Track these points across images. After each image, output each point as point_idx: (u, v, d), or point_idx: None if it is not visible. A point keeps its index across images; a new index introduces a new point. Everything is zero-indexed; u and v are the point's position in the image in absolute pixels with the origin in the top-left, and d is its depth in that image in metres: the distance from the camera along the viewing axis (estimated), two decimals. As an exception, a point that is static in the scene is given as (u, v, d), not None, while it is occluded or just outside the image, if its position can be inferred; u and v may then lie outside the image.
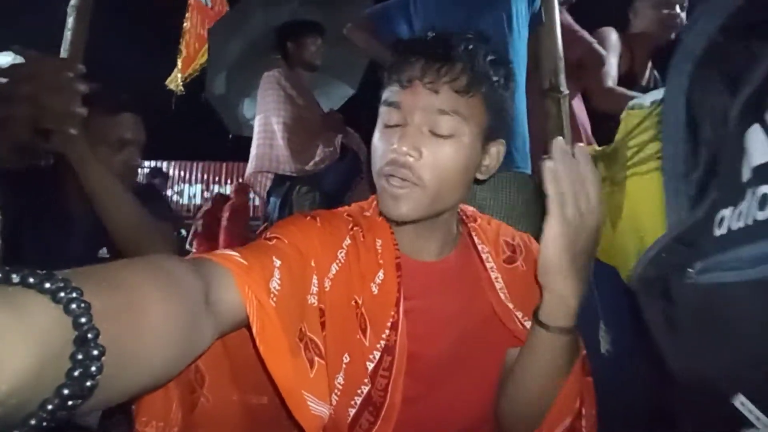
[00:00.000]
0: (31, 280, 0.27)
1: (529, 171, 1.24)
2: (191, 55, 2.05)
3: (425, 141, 0.58)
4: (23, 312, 0.26)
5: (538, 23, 1.32)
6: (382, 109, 0.62)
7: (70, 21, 1.39)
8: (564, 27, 1.36)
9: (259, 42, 2.02)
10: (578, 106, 1.56)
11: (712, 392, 0.35)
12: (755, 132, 0.37)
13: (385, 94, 0.62)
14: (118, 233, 0.90)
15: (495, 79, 0.60)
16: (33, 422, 0.26)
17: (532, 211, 1.21)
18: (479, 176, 0.65)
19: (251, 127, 1.99)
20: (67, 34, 1.37)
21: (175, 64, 2.05)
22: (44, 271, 0.28)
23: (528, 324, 0.63)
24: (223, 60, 2.04)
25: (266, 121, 1.73)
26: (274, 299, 0.47)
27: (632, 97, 1.18)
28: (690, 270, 0.43)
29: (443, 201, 0.61)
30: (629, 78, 1.66)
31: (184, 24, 1.97)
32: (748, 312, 0.33)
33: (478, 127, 0.60)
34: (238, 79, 2.10)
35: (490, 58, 0.60)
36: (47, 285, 0.27)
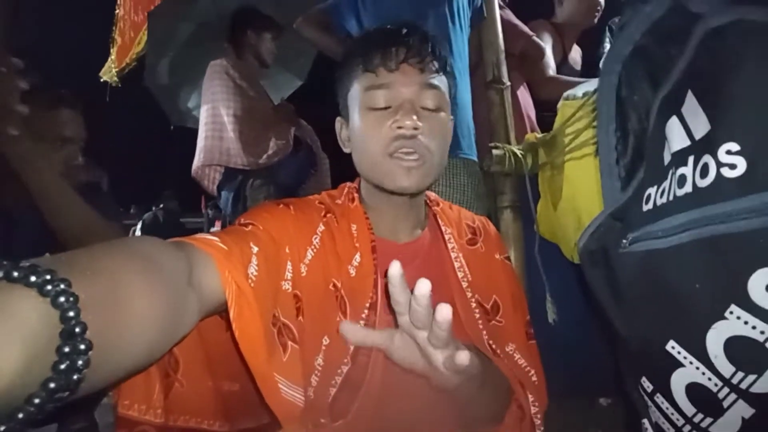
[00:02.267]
0: (16, 273, 0.26)
1: (474, 157, 1.31)
2: (126, 44, 1.92)
3: (420, 115, 0.63)
4: (9, 310, 0.25)
5: (480, 19, 1.39)
6: (366, 94, 0.65)
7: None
8: (505, 22, 1.44)
9: (206, 25, 1.94)
10: (523, 95, 1.67)
11: (648, 343, 0.43)
12: (674, 123, 0.44)
13: (365, 80, 0.65)
14: (68, 235, 0.86)
15: (447, 62, 0.68)
16: (20, 416, 0.25)
17: (481, 194, 1.29)
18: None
19: (195, 118, 1.91)
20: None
21: (108, 54, 1.91)
22: (29, 264, 0.27)
23: (481, 305, 0.70)
24: (164, 46, 1.92)
25: (214, 113, 1.66)
26: (252, 285, 0.48)
27: (574, 84, 1.28)
28: (624, 241, 0.50)
29: (440, 169, 0.67)
30: (564, 64, 1.80)
31: (116, 11, 1.83)
32: (674, 271, 0.40)
33: (448, 101, 0.68)
34: (182, 67, 2.00)
35: (442, 47, 0.68)
36: (33, 278, 0.26)
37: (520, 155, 1.25)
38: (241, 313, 0.46)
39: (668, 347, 0.39)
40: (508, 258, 0.79)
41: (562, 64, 1.79)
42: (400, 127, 0.62)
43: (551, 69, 1.69)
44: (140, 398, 0.51)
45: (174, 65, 1.98)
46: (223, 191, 1.67)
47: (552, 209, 1.20)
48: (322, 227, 0.65)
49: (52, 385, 0.26)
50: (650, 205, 0.48)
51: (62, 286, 0.27)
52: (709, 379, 0.36)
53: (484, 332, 0.68)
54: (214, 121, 1.66)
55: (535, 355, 0.73)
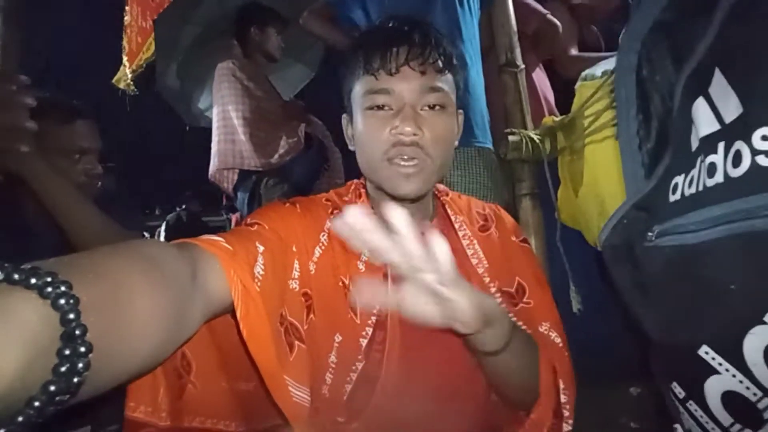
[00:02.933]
0: (17, 276, 0.26)
1: (490, 145, 1.27)
2: (135, 50, 1.94)
3: (422, 119, 0.62)
4: (9, 312, 0.25)
5: (490, 0, 1.33)
6: (367, 97, 0.63)
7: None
8: (516, 1, 1.38)
9: (213, 26, 1.93)
10: (540, 78, 1.60)
11: (679, 346, 0.39)
12: (700, 104, 0.40)
13: (366, 83, 0.64)
14: (85, 246, 0.87)
15: (455, 58, 0.67)
16: (20, 419, 0.25)
17: (498, 183, 1.25)
18: (455, 144, 0.70)
19: (208, 118, 1.92)
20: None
21: (120, 62, 1.93)
22: (30, 266, 0.27)
23: (504, 291, 0.68)
24: (173, 50, 1.94)
25: (225, 116, 1.67)
26: (258, 284, 0.48)
27: (600, 59, 1.22)
28: (650, 234, 0.47)
29: (443, 171, 0.66)
30: (582, 48, 1.72)
31: (125, 18, 1.84)
32: (706, 269, 0.37)
33: (453, 99, 0.66)
34: (192, 68, 2.01)
35: (448, 42, 0.66)
36: (33, 281, 0.26)
37: (537, 140, 1.20)
38: (247, 312, 0.45)
39: (701, 352, 0.36)
40: (526, 240, 0.77)
41: (579, 47, 1.72)
42: (400, 134, 0.61)
43: (573, 48, 1.62)
44: (146, 400, 0.51)
45: (184, 68, 1.99)
46: (239, 192, 1.68)
47: (573, 195, 1.16)
48: (329, 224, 0.64)
49: (52, 387, 0.26)
50: (678, 196, 0.44)
51: (63, 288, 0.27)
52: (748, 387, 0.33)
53: (511, 315, 0.66)
54: (225, 124, 1.66)
55: (563, 352, 0.70)
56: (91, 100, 1.10)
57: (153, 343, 0.35)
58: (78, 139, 0.98)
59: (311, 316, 0.58)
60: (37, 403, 0.25)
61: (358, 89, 0.65)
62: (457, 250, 0.69)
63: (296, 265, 0.58)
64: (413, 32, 0.64)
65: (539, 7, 1.55)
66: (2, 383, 0.24)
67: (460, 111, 0.71)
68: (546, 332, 0.67)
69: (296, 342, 0.54)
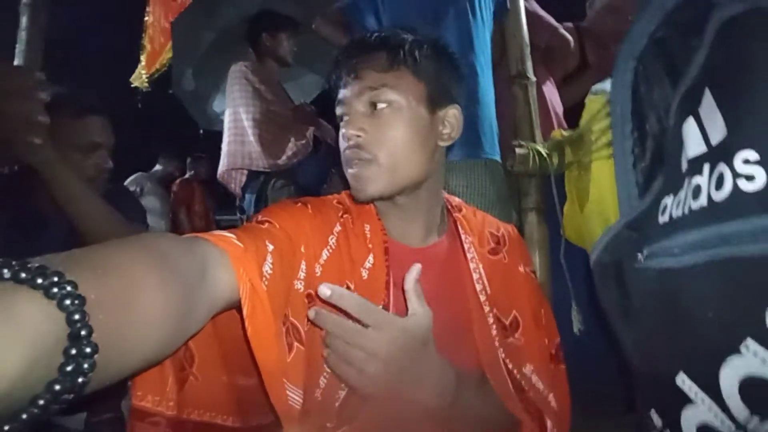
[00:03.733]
0: (23, 275, 0.26)
1: (497, 157, 1.26)
2: (156, 51, 1.98)
3: (366, 120, 0.63)
4: (14, 312, 0.25)
5: (503, 11, 1.33)
6: (337, 109, 0.68)
7: (23, 20, 1.33)
8: (529, 13, 1.37)
9: (229, 31, 1.96)
10: (550, 91, 1.59)
11: (656, 372, 0.38)
12: (690, 125, 0.39)
13: (337, 96, 0.68)
14: (92, 238, 0.89)
15: (418, 53, 0.64)
16: (24, 417, 0.25)
17: (504, 196, 1.24)
18: (442, 143, 0.68)
19: (222, 121, 1.94)
20: (21, 35, 1.32)
21: (138, 61, 1.98)
22: (37, 265, 0.27)
23: (499, 320, 0.67)
24: (189, 53, 1.98)
25: (236, 117, 1.70)
26: (266, 283, 0.48)
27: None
28: (639, 255, 0.46)
29: (403, 172, 0.63)
30: (582, 68, 1.71)
31: (146, 18, 1.89)
32: (687, 294, 0.36)
33: (412, 94, 0.64)
34: (207, 72, 2.04)
35: (410, 38, 0.65)
36: (39, 280, 0.26)
37: (545, 154, 1.18)
38: (254, 311, 0.45)
39: (678, 380, 0.35)
40: (534, 272, 0.75)
41: (580, 69, 1.71)
42: (347, 138, 0.63)
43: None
44: (154, 390, 0.52)
45: (199, 71, 2.03)
46: (247, 193, 1.70)
47: (579, 211, 1.13)
48: (338, 227, 0.65)
49: (57, 387, 0.26)
50: (666, 218, 0.43)
51: (68, 289, 0.27)
52: (722, 421, 0.32)
53: (501, 349, 0.65)
54: (236, 126, 1.69)
55: (560, 378, 0.69)
56: (108, 97, 1.13)
57: (160, 338, 0.35)
58: (90, 134, 1.01)
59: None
60: (41, 402, 0.25)
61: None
62: (462, 271, 0.69)
63: (303, 266, 0.58)
64: (356, 44, 0.67)
65: (552, 20, 1.54)
66: (6, 382, 0.24)
67: (455, 106, 0.69)
68: (529, 375, 0.65)
69: (295, 343, 0.55)
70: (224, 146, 1.73)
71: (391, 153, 0.62)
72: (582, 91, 1.14)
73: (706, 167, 0.35)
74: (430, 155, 0.66)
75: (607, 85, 1.07)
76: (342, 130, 0.65)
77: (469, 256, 0.69)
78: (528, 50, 1.32)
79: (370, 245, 0.64)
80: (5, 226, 0.96)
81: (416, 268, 0.54)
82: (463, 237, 0.70)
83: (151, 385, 0.51)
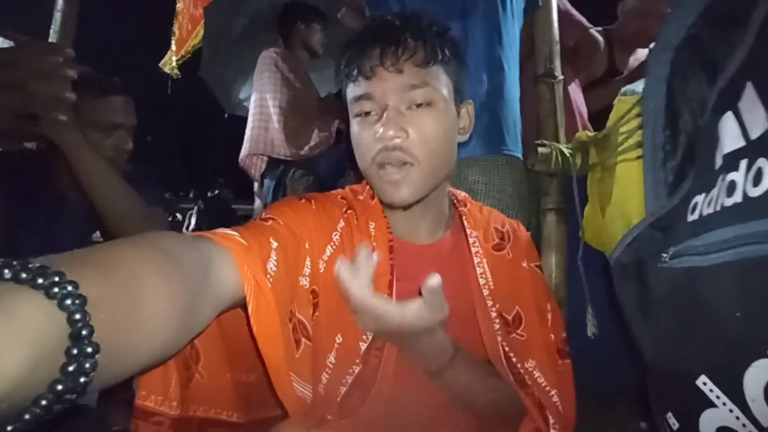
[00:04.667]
0: (24, 275, 0.26)
1: (519, 155, 1.23)
2: (184, 37, 2.01)
3: (406, 119, 0.59)
4: (14, 312, 0.25)
5: (534, 7, 1.30)
6: (352, 104, 0.63)
7: (59, 2, 1.37)
8: (561, 11, 1.35)
9: (259, 18, 1.98)
10: (575, 91, 1.55)
11: (677, 374, 0.37)
12: (728, 119, 0.38)
13: (350, 91, 0.63)
14: (111, 219, 0.90)
15: (446, 48, 0.62)
16: (27, 417, 0.25)
17: (523, 195, 1.21)
18: (460, 138, 0.67)
19: (246, 108, 1.96)
20: (57, 16, 1.35)
21: (168, 46, 2.01)
22: (38, 265, 0.27)
23: (502, 316, 0.66)
24: (220, 38, 2.00)
25: (262, 103, 1.70)
26: (270, 280, 0.48)
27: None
28: (664, 255, 0.44)
29: (438, 173, 0.63)
30: (610, 73, 1.67)
31: (177, 4, 1.92)
32: (712, 295, 0.35)
33: (446, 92, 0.62)
34: (234, 58, 2.06)
35: (436, 30, 0.63)
36: (40, 281, 0.26)
37: (568, 154, 1.16)
38: (258, 308, 0.45)
39: (699, 382, 0.34)
40: (539, 267, 0.74)
41: (608, 75, 1.67)
42: (383, 138, 0.59)
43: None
44: (157, 389, 0.52)
45: (229, 57, 2.05)
46: (266, 180, 1.71)
47: (600, 214, 1.11)
48: (342, 223, 0.64)
49: (59, 387, 0.26)
50: (696, 216, 0.42)
51: (69, 288, 0.27)
52: (744, 425, 0.30)
53: (504, 344, 0.64)
54: (261, 111, 1.70)
55: (565, 375, 0.67)
56: (136, 81, 1.15)
57: (164, 337, 0.35)
58: (111, 114, 1.02)
59: (316, 313, 0.58)
60: (44, 402, 0.25)
61: (347, 96, 0.64)
62: (467, 266, 0.68)
63: (307, 262, 0.58)
64: (385, 30, 0.61)
65: (584, 20, 1.51)
66: (7, 383, 0.24)
67: (469, 101, 0.68)
68: (531, 370, 0.64)
69: (303, 339, 0.54)
70: (247, 131, 1.73)
71: (433, 155, 0.60)
72: (608, 98, 1.11)
73: (743, 163, 0.34)
74: (455, 152, 0.66)
75: (637, 86, 1.04)
76: (374, 130, 0.60)
77: (473, 251, 0.68)
78: (557, 48, 1.29)
79: (374, 243, 0.63)
80: (25, 206, 0.99)
81: (436, 279, 0.53)
82: (468, 232, 0.69)
83: (155, 385, 0.51)
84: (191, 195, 3.67)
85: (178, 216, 3.39)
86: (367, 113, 0.62)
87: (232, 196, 3.49)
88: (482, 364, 0.64)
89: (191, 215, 3.32)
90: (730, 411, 0.31)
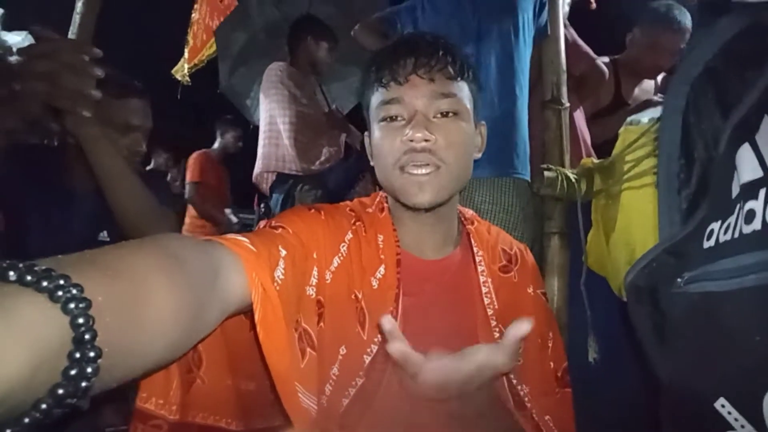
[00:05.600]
0: (29, 278, 0.26)
1: (527, 178, 1.26)
2: (198, 47, 2.05)
3: (434, 126, 0.62)
4: (17, 315, 0.25)
5: (543, 36, 1.35)
6: (380, 108, 0.65)
7: (78, 5, 1.39)
8: (568, 41, 1.39)
9: (273, 30, 2.01)
10: (580, 118, 1.59)
11: (695, 397, 0.37)
12: (745, 150, 0.39)
13: (379, 95, 0.65)
14: (124, 217, 0.91)
15: (470, 68, 0.67)
16: (27, 420, 0.25)
17: (529, 217, 1.23)
18: (475, 156, 0.70)
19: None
20: (76, 18, 1.37)
21: (182, 54, 2.04)
22: (44, 267, 0.27)
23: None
24: (234, 52, 2.03)
25: (271, 121, 1.74)
26: (278, 288, 0.48)
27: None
28: (679, 280, 0.45)
29: (460, 180, 0.65)
30: (616, 103, 1.71)
31: (193, 14, 1.96)
32: (731, 319, 0.35)
33: (470, 107, 0.66)
34: (253, 70, 2.07)
35: (462, 53, 0.67)
36: (45, 283, 0.26)
37: (573, 180, 1.18)
38: (265, 316, 0.45)
39: (717, 405, 0.34)
40: (544, 294, 0.74)
41: (613, 103, 1.72)
42: (411, 141, 0.61)
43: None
44: (158, 393, 0.51)
45: (246, 70, 2.08)
46: (275, 193, 1.73)
47: (604, 240, 1.12)
48: (350, 235, 0.64)
49: (60, 391, 0.25)
50: (712, 242, 0.43)
51: (73, 292, 0.26)
52: (765, 449, 0.31)
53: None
54: (270, 129, 1.74)
55: (564, 403, 0.68)
56: (149, 85, 1.16)
57: (169, 341, 0.35)
58: (128, 115, 1.04)
59: (321, 324, 0.58)
60: (44, 406, 0.25)
61: (373, 102, 0.67)
62: (473, 284, 0.68)
63: (314, 272, 0.58)
64: (420, 43, 0.65)
65: (589, 50, 1.56)
66: (6, 385, 0.23)
67: (483, 123, 0.71)
68: (522, 395, 0.64)
69: (308, 349, 0.55)
70: (259, 148, 1.77)
71: (458, 161, 0.63)
72: (615, 127, 1.14)
73: (763, 192, 0.35)
74: (472, 167, 0.68)
75: (643, 116, 1.07)
76: (401, 132, 0.62)
77: (479, 269, 0.68)
78: (564, 77, 1.33)
79: (382, 256, 0.64)
80: (37, 198, 0.99)
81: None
82: (475, 250, 0.70)
83: (156, 388, 0.51)
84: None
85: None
86: (394, 118, 0.64)
87: (233, 205, 3.48)
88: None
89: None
90: (750, 434, 0.32)
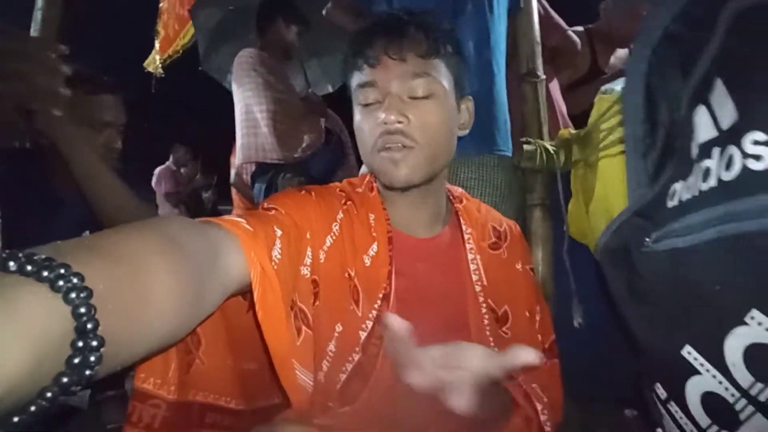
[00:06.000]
0: (29, 268, 0.26)
1: (509, 153, 1.27)
2: (171, 36, 1.99)
3: (408, 106, 0.62)
4: (18, 306, 0.25)
5: (516, 9, 1.34)
6: (357, 92, 0.66)
7: (39, 0, 1.34)
8: (540, 14, 1.39)
9: (249, 9, 1.92)
10: (555, 89, 1.60)
11: (664, 347, 0.40)
12: (701, 113, 0.41)
13: (355, 79, 0.66)
14: (103, 213, 0.90)
15: (448, 44, 0.66)
16: (33, 409, 0.25)
17: (514, 192, 1.25)
18: (460, 133, 0.70)
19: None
20: (37, 15, 1.33)
21: (152, 46, 1.98)
22: (43, 257, 0.26)
23: (493, 311, 0.68)
24: (212, 30, 1.97)
25: (247, 110, 1.69)
26: (275, 267, 0.48)
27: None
28: (647, 239, 0.47)
29: (437, 160, 0.65)
30: (592, 73, 1.72)
31: (161, 4, 1.89)
32: (694, 271, 0.38)
33: (447, 85, 0.65)
34: (233, 46, 1.99)
35: (442, 27, 0.66)
36: (45, 273, 0.26)
37: (552, 151, 1.20)
38: (264, 295, 0.46)
39: (684, 352, 0.37)
40: (533, 269, 0.76)
41: (590, 72, 1.72)
42: (385, 123, 0.62)
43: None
44: (156, 373, 0.52)
45: (226, 46, 2.02)
46: (257, 182, 1.70)
47: (584, 209, 1.15)
48: (341, 215, 0.65)
49: (64, 379, 0.26)
50: (675, 201, 0.45)
51: (74, 281, 0.26)
52: (726, 389, 0.33)
53: (491, 339, 0.66)
54: (248, 118, 1.68)
55: (552, 374, 0.71)
56: (122, 80, 1.14)
57: (171, 325, 0.35)
58: (102, 112, 1.02)
59: (317, 303, 0.59)
60: (49, 394, 0.25)
61: (352, 86, 0.67)
62: (462, 261, 0.70)
63: (308, 252, 0.59)
64: (391, 22, 0.65)
65: (561, 22, 1.56)
66: (11, 377, 0.23)
67: (469, 98, 0.71)
68: None
69: (304, 328, 0.56)
70: (238, 139, 1.71)
71: (433, 141, 0.63)
72: (591, 98, 1.15)
73: (716, 150, 0.37)
74: (454, 143, 0.69)
75: (616, 84, 1.08)
76: (377, 116, 0.62)
77: (468, 247, 0.70)
78: (539, 49, 1.33)
79: (374, 233, 0.65)
80: (21, 205, 0.98)
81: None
82: (463, 227, 0.71)
83: (154, 369, 0.51)
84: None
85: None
86: (370, 102, 0.64)
87: (216, 197, 3.46)
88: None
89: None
90: (713, 376, 0.34)
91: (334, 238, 0.63)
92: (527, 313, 0.71)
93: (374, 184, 0.72)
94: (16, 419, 0.25)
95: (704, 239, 0.36)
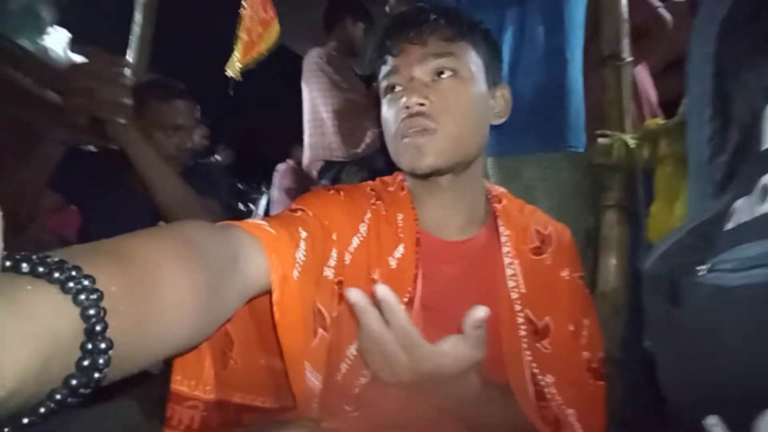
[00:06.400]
0: (41, 269, 0.26)
1: (582, 149, 1.13)
2: (253, 41, 2.10)
3: (431, 90, 0.61)
4: (27, 307, 0.25)
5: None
6: (382, 81, 0.66)
7: (137, 16, 1.51)
8: (630, -15, 1.20)
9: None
10: (642, 74, 1.38)
11: (687, 408, 0.31)
12: (771, 109, 0.31)
13: (381, 72, 0.66)
14: (166, 208, 0.99)
15: (475, 32, 0.65)
16: (42, 410, 0.25)
17: (582, 193, 1.11)
18: (495, 121, 0.68)
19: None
20: (135, 29, 1.50)
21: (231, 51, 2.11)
22: (56, 259, 0.27)
23: (531, 322, 0.61)
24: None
25: (314, 110, 1.75)
26: (298, 269, 0.48)
27: None
28: (700, 268, 0.38)
29: (464, 145, 0.62)
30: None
31: (241, 11, 2.00)
32: (733, 322, 0.29)
33: (474, 67, 0.63)
34: None
35: (467, 16, 0.66)
36: (56, 275, 0.26)
37: (633, 146, 1.04)
38: (283, 298, 0.46)
39: (707, 422, 0.28)
40: (582, 277, 0.67)
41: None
42: (407, 107, 0.60)
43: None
44: (191, 374, 0.53)
45: None
46: (323, 179, 1.77)
47: (669, 213, 0.98)
48: (369, 214, 0.64)
49: (73, 381, 0.26)
50: (733, 224, 0.35)
51: (85, 283, 0.27)
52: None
53: (528, 353, 0.59)
54: (315, 118, 1.76)
55: (596, 396, 0.62)
56: (203, 84, 1.24)
57: (185, 328, 0.35)
58: (175, 116, 1.13)
59: (341, 304, 0.58)
60: (58, 396, 0.26)
61: (379, 78, 0.66)
62: (497, 267, 0.64)
63: (333, 254, 0.58)
64: (413, 12, 0.64)
65: None
66: (18, 378, 0.24)
67: (505, 85, 0.69)
68: (544, 386, 0.59)
69: (320, 329, 0.55)
70: (306, 138, 1.81)
71: (456, 123, 0.61)
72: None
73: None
74: (485, 132, 0.66)
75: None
76: (402, 100, 0.61)
77: (504, 250, 0.64)
78: (626, 27, 1.16)
79: (401, 234, 0.62)
80: (101, 200, 1.12)
81: (483, 311, 0.47)
82: (501, 230, 0.66)
83: (188, 370, 0.52)
84: (263, 189, 3.89)
85: (251, 206, 3.62)
86: (394, 88, 0.64)
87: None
88: (499, 391, 0.59)
89: (258, 205, 3.53)
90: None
91: (361, 239, 0.61)
92: (572, 327, 0.63)
93: (405, 183, 0.69)
94: (26, 420, 0.25)
95: (749, 281, 0.27)
